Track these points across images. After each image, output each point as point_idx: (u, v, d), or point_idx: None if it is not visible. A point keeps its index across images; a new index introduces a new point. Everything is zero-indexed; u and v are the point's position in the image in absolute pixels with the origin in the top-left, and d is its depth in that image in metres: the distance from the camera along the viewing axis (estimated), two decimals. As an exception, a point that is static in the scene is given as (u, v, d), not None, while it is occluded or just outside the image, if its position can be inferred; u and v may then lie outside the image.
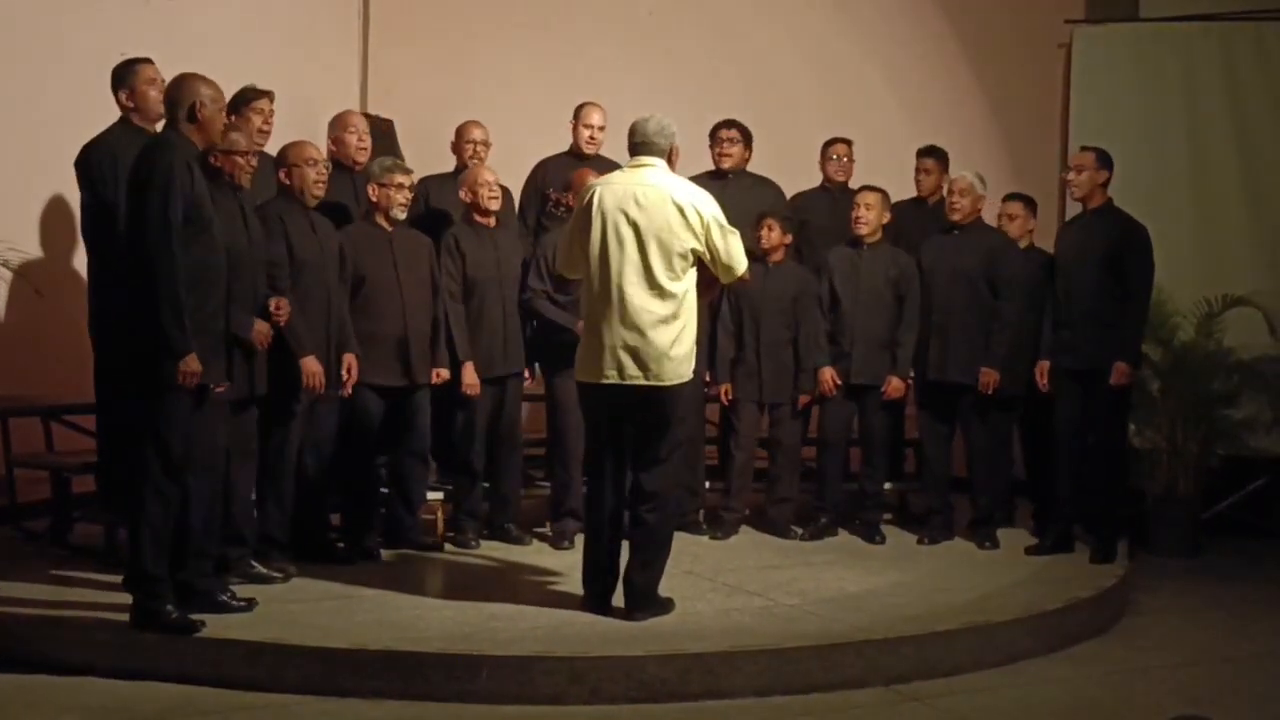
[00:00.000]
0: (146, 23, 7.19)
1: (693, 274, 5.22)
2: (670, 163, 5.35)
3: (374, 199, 6.15)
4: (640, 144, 5.28)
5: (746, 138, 7.28)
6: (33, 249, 6.54)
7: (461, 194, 6.51)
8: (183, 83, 4.98)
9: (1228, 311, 7.65)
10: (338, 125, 6.67)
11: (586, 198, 5.25)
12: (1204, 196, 8.54)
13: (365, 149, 6.58)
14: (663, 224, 5.13)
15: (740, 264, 5.31)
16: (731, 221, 5.33)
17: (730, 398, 6.88)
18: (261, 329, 5.36)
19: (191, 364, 4.73)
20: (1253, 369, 7.64)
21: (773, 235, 6.82)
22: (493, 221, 6.48)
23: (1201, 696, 4.94)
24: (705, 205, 5.22)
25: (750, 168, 7.39)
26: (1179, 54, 8.64)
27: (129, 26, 7.08)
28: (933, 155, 7.53)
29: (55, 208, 6.78)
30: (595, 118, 7.12)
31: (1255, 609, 6.39)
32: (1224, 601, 6.53)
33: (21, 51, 6.68)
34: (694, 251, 5.18)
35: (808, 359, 6.85)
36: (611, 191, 5.20)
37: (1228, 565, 7.30)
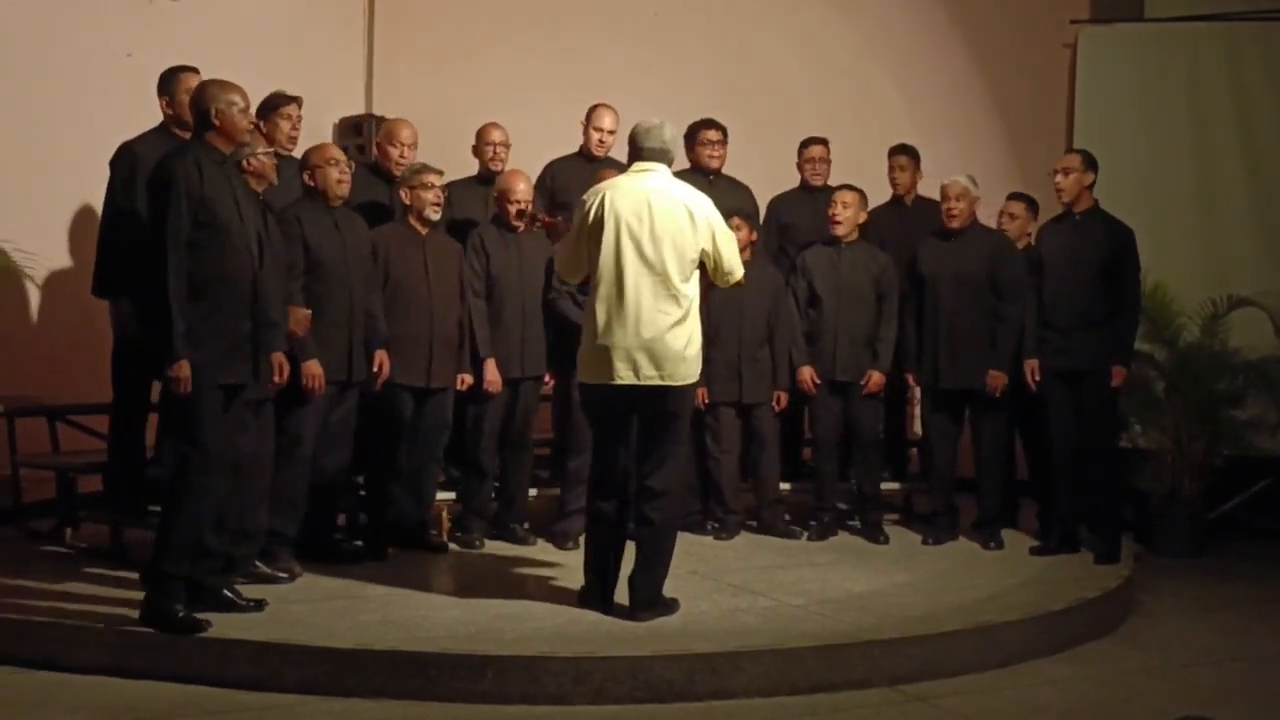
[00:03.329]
0: (150, 23, 7.21)
1: (697, 276, 5.27)
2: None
3: (406, 201, 6.21)
4: (656, 150, 5.30)
5: (726, 136, 7.29)
6: (36, 249, 6.55)
7: (494, 200, 6.55)
8: (201, 90, 5.02)
9: (1233, 312, 7.64)
10: (382, 134, 6.76)
11: (595, 203, 5.25)
12: (1209, 196, 8.54)
13: (404, 160, 6.56)
14: (676, 229, 5.17)
15: (739, 269, 5.38)
16: None
17: (707, 401, 6.79)
18: (299, 316, 5.40)
19: (181, 370, 4.73)
20: (1258, 369, 7.62)
21: (741, 234, 6.81)
22: (520, 226, 6.52)
23: (1206, 697, 4.94)
24: (710, 210, 5.30)
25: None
26: (1184, 54, 8.65)
27: (132, 27, 7.11)
28: (905, 153, 7.51)
29: (59, 208, 6.79)
30: (607, 120, 7.09)
31: (1260, 609, 6.39)
32: (1229, 602, 6.53)
33: (25, 52, 6.70)
34: (702, 253, 5.23)
35: (783, 358, 6.87)
36: (623, 196, 5.21)
37: (1232, 566, 7.29)
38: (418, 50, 9.03)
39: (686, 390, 5.25)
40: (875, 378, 6.82)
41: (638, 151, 5.33)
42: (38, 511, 6.50)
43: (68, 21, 6.89)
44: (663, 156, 5.30)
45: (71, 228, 6.81)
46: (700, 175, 7.14)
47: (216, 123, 4.93)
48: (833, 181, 7.39)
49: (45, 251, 6.68)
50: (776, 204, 7.54)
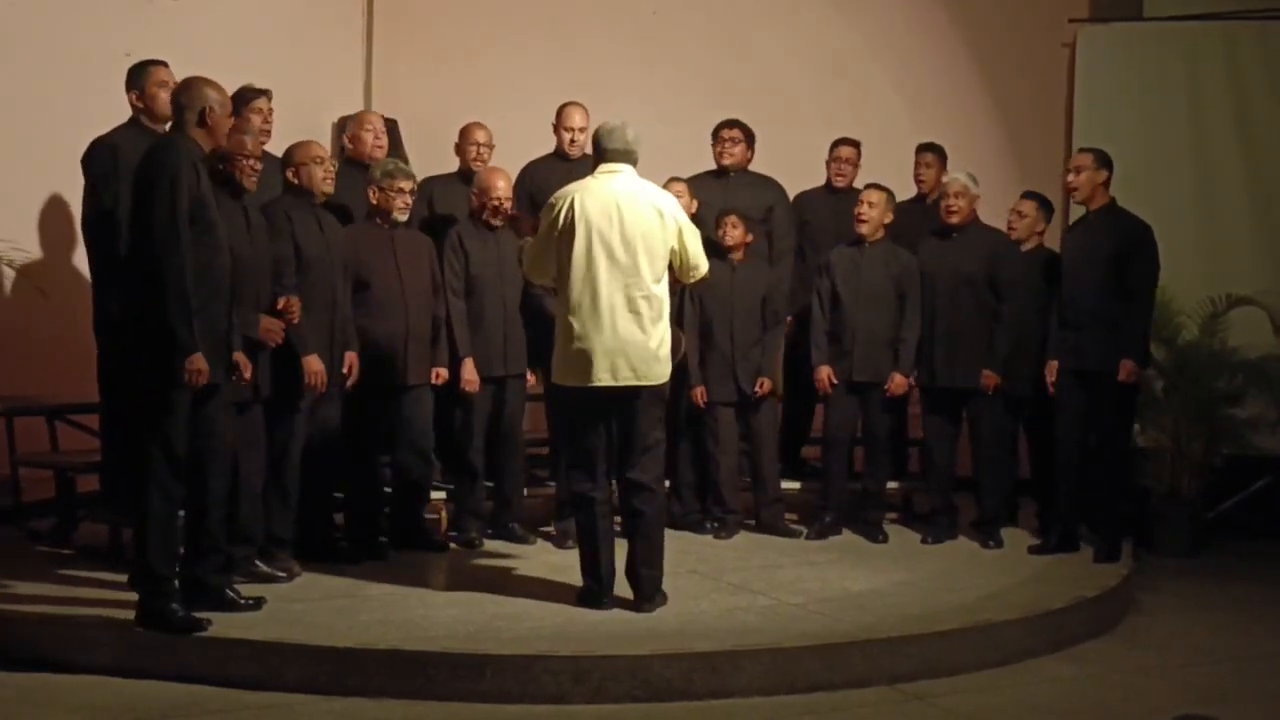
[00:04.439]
0: (149, 23, 7.21)
1: (667, 276, 5.35)
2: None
3: (374, 201, 6.18)
4: (620, 151, 5.35)
5: (749, 137, 7.30)
6: (36, 249, 6.57)
7: (472, 196, 6.53)
8: (191, 86, 4.99)
9: (1232, 311, 7.65)
10: (355, 123, 6.75)
11: (564, 206, 5.28)
12: (1208, 195, 8.54)
13: (382, 147, 6.65)
14: (647, 229, 5.25)
15: (704, 264, 5.48)
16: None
17: (705, 400, 6.83)
18: (272, 325, 5.39)
19: (197, 363, 4.74)
20: (1257, 368, 7.63)
21: (735, 233, 6.82)
22: (499, 224, 6.50)
23: (1206, 696, 4.94)
24: (675, 208, 5.40)
25: (754, 167, 7.40)
26: (1183, 53, 8.64)
27: (131, 27, 7.10)
28: (932, 150, 7.54)
29: (58, 208, 6.79)
30: (576, 118, 7.05)
31: (1259, 609, 6.39)
32: (1228, 601, 6.53)
33: (24, 52, 6.70)
34: (670, 250, 5.31)
35: (772, 350, 6.88)
36: (592, 198, 5.26)
37: (1231, 565, 7.29)
38: (417, 50, 9.02)
39: (660, 389, 5.33)
40: (898, 380, 6.77)
41: (601, 153, 5.39)
42: (38, 511, 6.49)
43: (68, 21, 6.89)
44: (626, 157, 5.35)
45: (67, 227, 6.80)
46: (713, 173, 7.17)
47: (209, 121, 4.93)
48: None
49: (42, 250, 6.68)
50: (799, 202, 7.55)
